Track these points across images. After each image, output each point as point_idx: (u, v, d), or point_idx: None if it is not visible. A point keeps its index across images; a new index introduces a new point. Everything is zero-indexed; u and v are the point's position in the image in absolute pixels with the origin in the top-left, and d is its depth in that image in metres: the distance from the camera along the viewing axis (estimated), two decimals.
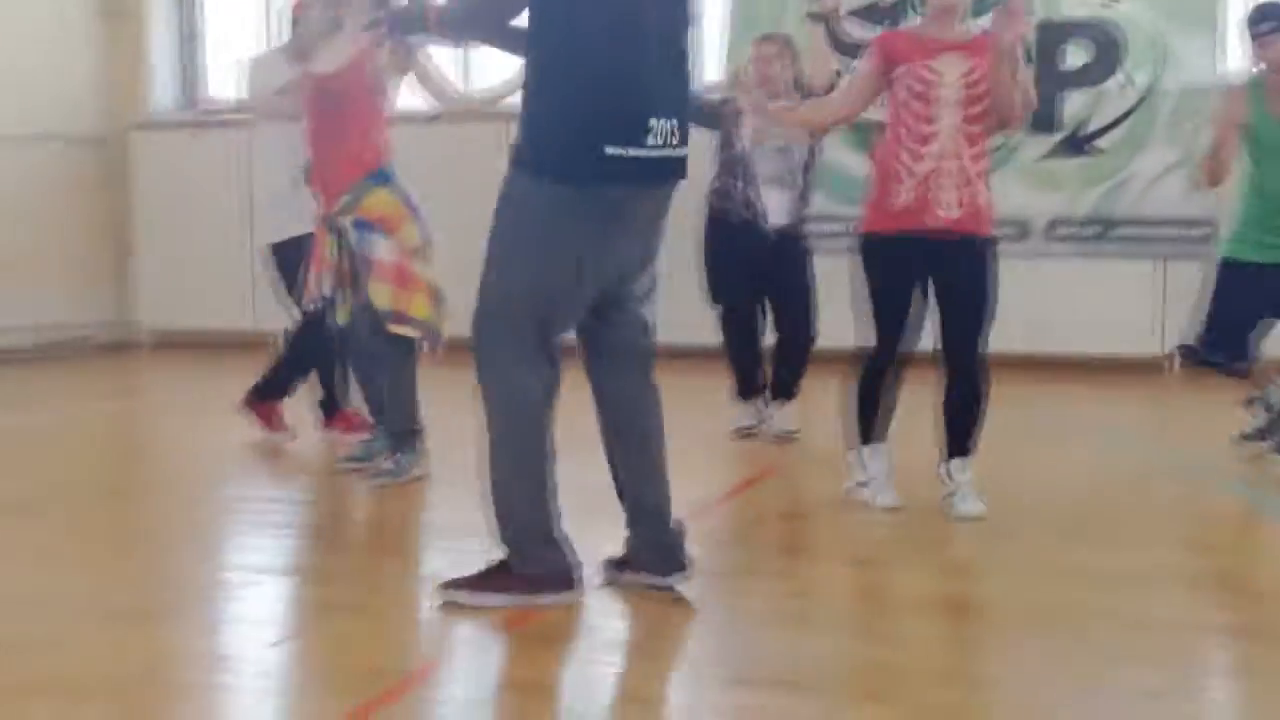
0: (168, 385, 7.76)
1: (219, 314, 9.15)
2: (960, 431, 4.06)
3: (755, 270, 5.45)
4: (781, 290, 5.49)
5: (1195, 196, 7.21)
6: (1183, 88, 7.36)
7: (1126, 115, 7.46)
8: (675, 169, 3.14)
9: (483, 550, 3.23)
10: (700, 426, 5.66)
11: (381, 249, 4.47)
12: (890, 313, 4.05)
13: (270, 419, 5.40)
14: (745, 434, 5.51)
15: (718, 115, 5.40)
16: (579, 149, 2.98)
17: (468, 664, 2.85)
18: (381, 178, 4.53)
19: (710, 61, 8.23)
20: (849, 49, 7.86)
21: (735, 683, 2.73)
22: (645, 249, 3.25)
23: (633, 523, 3.27)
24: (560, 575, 3.12)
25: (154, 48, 9.52)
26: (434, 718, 2.49)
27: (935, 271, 4.00)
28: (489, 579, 3.12)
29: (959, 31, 3.98)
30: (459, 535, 3.68)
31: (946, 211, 3.92)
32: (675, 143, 3.08)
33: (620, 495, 3.29)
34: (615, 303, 3.24)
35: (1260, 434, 4.94)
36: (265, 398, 5.41)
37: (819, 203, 5.89)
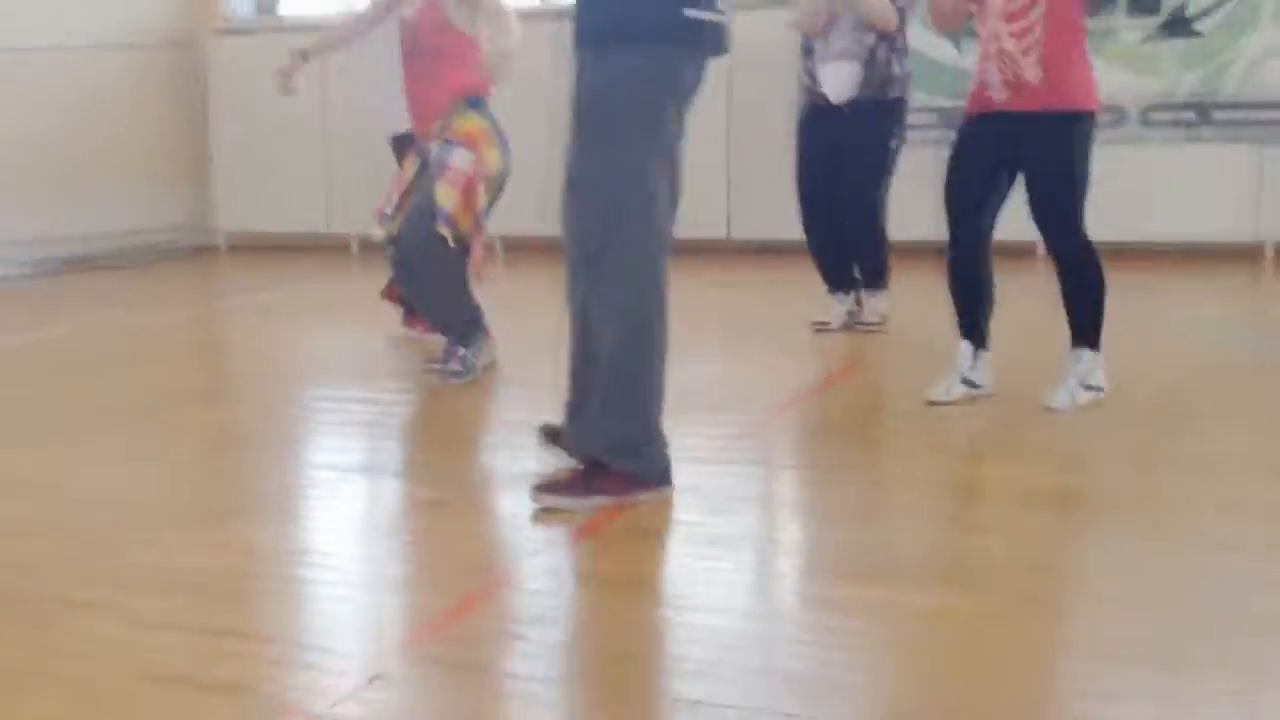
0: (248, 288, 7.81)
1: (296, 217, 9.22)
2: (1070, 319, 3.97)
3: (829, 151, 5.30)
4: (850, 163, 5.31)
5: None
6: None
7: None
8: (728, 38, 3.13)
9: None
10: (786, 322, 5.60)
11: (459, 157, 4.55)
12: (951, 198, 3.99)
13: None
14: (819, 328, 5.40)
15: None
16: (663, 10, 2.96)
17: (563, 561, 2.84)
18: (475, 103, 4.64)
19: None
20: None
21: (831, 575, 2.70)
22: None
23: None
24: (661, 471, 3.10)
25: None
26: (531, 615, 2.48)
27: (1011, 153, 3.91)
28: (589, 480, 3.07)
29: None
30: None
31: (996, 94, 3.89)
32: (727, 11, 3.09)
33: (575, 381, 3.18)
34: None
35: None
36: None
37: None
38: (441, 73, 4.61)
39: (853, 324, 5.40)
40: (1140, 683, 2.09)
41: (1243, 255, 7.28)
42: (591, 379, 3.09)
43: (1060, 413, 3.86)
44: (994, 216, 3.99)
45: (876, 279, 5.45)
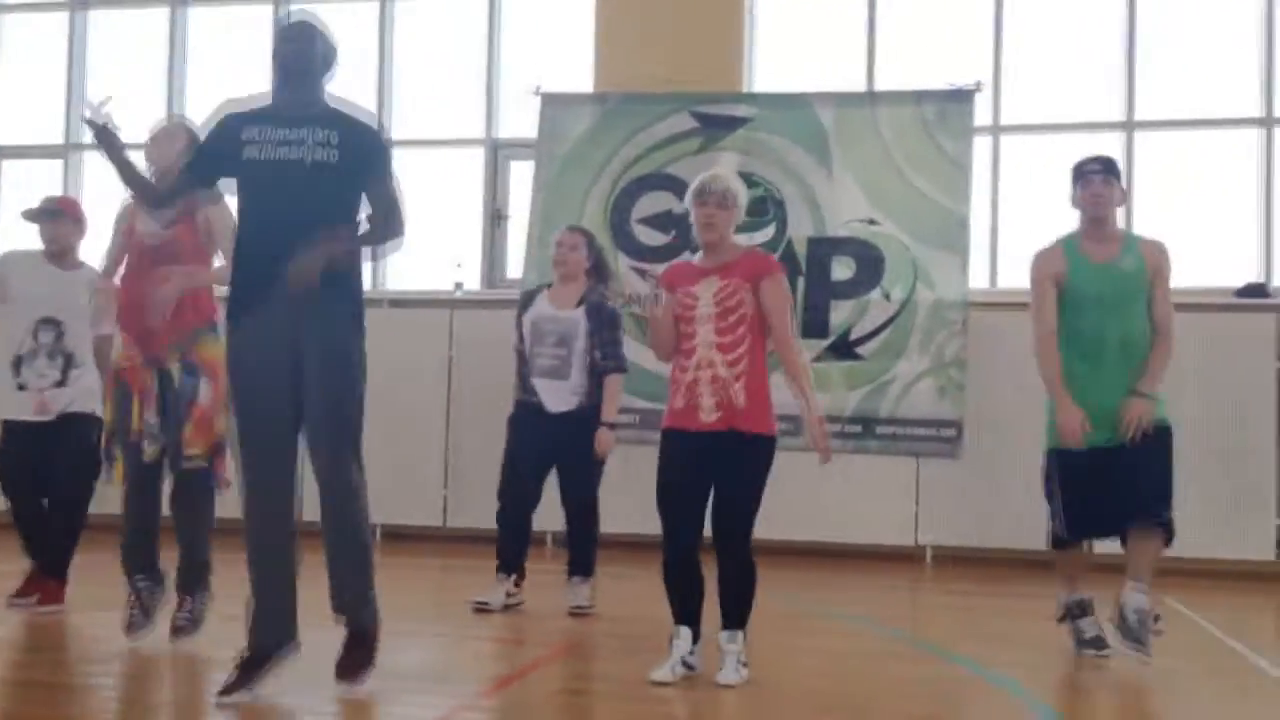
0: None
1: None
2: (725, 606, 4.43)
3: (542, 450, 5.80)
4: (564, 467, 5.84)
5: (945, 400, 8.03)
6: (934, 302, 8.18)
7: (885, 325, 8.22)
8: None
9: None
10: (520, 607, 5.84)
11: (204, 393, 4.77)
12: (669, 504, 4.48)
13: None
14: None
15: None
16: None
17: None
18: (215, 328, 4.80)
19: (515, 258, 8.75)
20: (642, 254, 8.49)
21: None
22: None
23: None
24: None
25: None
26: None
27: (707, 464, 4.44)
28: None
29: (726, 256, 4.51)
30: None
31: (706, 416, 4.42)
32: None
33: None
34: None
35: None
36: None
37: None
38: (185, 295, 4.75)
39: (567, 607, 5.76)
40: None
41: (904, 558, 8.12)
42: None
43: (734, 687, 4.26)
44: (703, 519, 4.48)
45: (588, 568, 5.88)
